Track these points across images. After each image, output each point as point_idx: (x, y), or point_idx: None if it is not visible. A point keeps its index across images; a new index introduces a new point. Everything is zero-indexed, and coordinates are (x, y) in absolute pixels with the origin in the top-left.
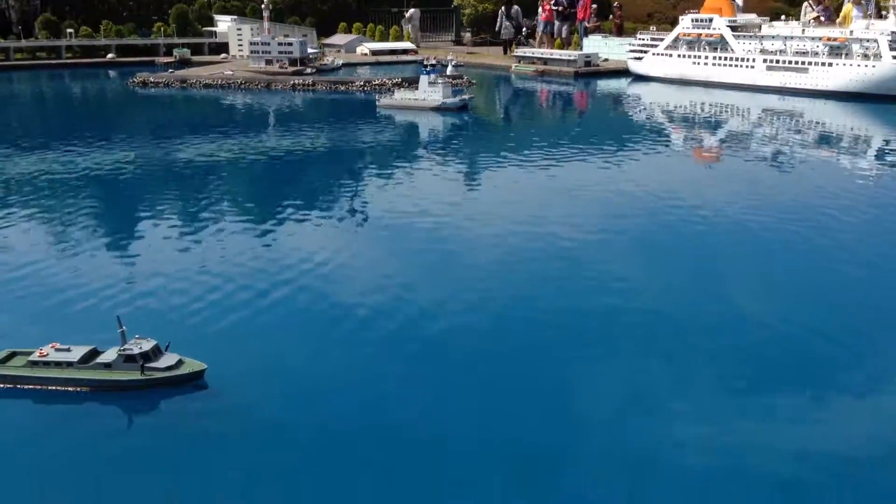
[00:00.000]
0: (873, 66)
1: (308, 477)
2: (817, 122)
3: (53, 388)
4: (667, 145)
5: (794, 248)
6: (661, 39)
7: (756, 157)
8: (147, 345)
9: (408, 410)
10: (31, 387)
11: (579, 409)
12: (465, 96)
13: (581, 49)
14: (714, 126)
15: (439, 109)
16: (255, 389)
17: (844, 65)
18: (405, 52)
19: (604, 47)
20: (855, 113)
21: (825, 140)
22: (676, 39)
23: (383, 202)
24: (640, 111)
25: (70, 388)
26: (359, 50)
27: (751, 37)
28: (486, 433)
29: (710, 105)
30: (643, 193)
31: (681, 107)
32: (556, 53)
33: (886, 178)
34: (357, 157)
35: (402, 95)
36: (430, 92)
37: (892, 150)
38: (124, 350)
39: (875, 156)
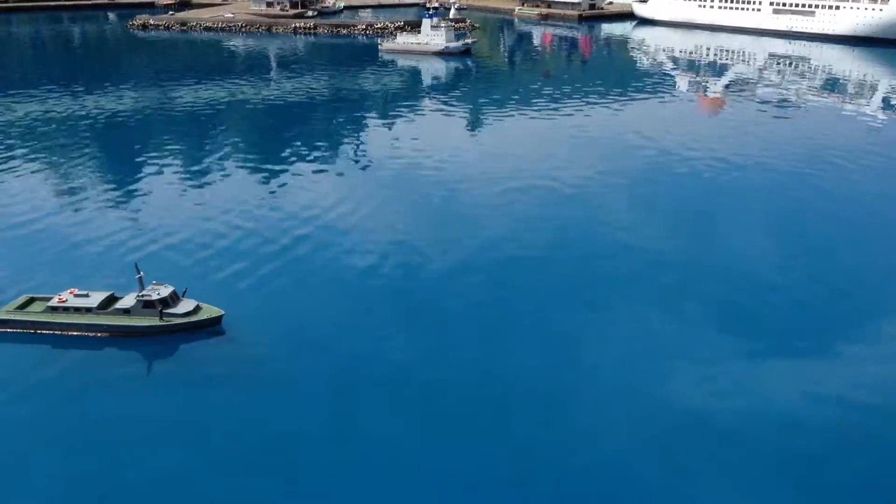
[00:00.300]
0: (881, 10)
1: (317, 423)
2: (823, 68)
3: (72, 333)
4: (671, 92)
5: (797, 198)
6: None
7: (761, 103)
8: (165, 291)
9: (413, 355)
10: (50, 332)
11: (583, 353)
12: (468, 40)
13: None
14: (719, 71)
15: (442, 54)
16: (268, 334)
17: (852, 8)
18: None
19: None
20: (862, 58)
21: (830, 86)
22: None
23: (386, 148)
24: (644, 56)
25: (89, 334)
26: None
27: None
28: (488, 376)
29: (715, 49)
30: (646, 140)
31: (685, 51)
32: None
33: (890, 127)
34: (359, 102)
35: (404, 39)
36: (432, 36)
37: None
38: (143, 296)
39: (882, 103)
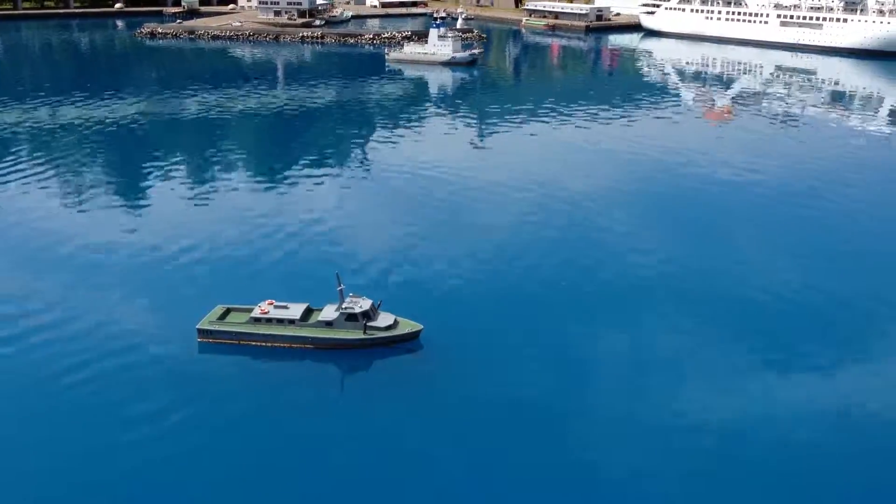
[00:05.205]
0: (889, 23)
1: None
2: (831, 81)
3: (276, 345)
4: (677, 104)
5: (804, 211)
6: None
7: (767, 116)
8: (365, 303)
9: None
10: (254, 343)
11: (584, 366)
12: (475, 51)
13: (593, 2)
14: (725, 84)
15: (449, 64)
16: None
17: (860, 21)
18: (415, 4)
19: (616, 1)
20: (869, 71)
21: (837, 99)
22: None
23: (393, 158)
24: (651, 68)
25: (293, 345)
26: (368, 2)
27: None
28: (498, 390)
29: (722, 62)
30: (653, 152)
31: (692, 63)
32: (568, 7)
33: None
34: (366, 112)
35: (411, 49)
36: (439, 46)
37: None
38: (346, 308)
39: (888, 117)
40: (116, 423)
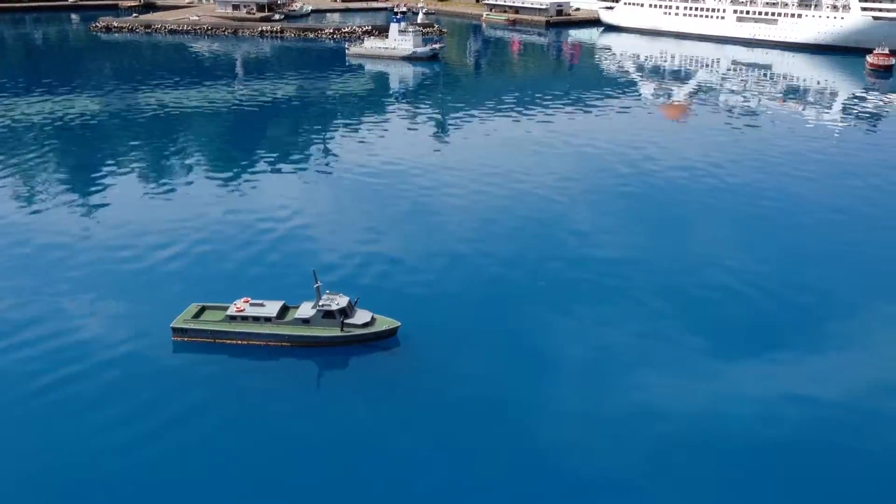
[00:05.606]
0: (842, 18)
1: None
2: (786, 76)
3: (252, 342)
4: (637, 98)
5: (759, 203)
6: None
7: (724, 110)
8: (342, 300)
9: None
10: (229, 342)
11: (546, 360)
12: (436, 45)
13: None
14: (683, 79)
15: (410, 59)
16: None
17: (813, 16)
18: None
19: None
20: (823, 66)
21: (791, 94)
22: None
23: (352, 154)
24: (610, 63)
25: (269, 343)
26: None
27: None
28: (457, 384)
29: (680, 57)
30: (613, 146)
31: (651, 58)
32: (528, 2)
33: (851, 133)
34: (326, 107)
35: (372, 44)
36: (400, 41)
37: (857, 104)
38: (323, 306)
39: (841, 110)
40: (88, 426)
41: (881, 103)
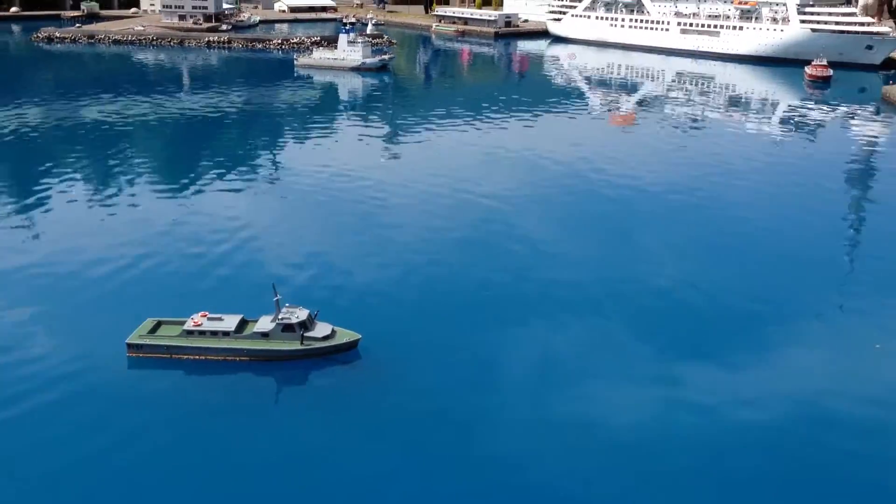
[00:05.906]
0: (781, 31)
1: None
2: (728, 86)
3: (210, 357)
4: (584, 109)
5: (702, 211)
6: (580, 1)
7: (669, 120)
8: (302, 314)
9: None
10: (186, 357)
11: (498, 373)
12: (385, 56)
13: (501, 9)
14: (630, 89)
15: (359, 69)
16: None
17: (754, 29)
18: (324, 9)
19: (524, 7)
20: (762, 77)
21: (733, 104)
22: (594, 1)
23: (301, 165)
24: (558, 74)
25: (227, 358)
26: (276, 6)
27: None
28: (410, 397)
29: (626, 68)
30: (560, 157)
31: (597, 69)
32: (477, 13)
33: (790, 142)
34: (274, 118)
35: (320, 55)
36: (349, 51)
37: (796, 114)
38: (282, 319)
39: (780, 120)
40: (38, 444)
41: (819, 113)
